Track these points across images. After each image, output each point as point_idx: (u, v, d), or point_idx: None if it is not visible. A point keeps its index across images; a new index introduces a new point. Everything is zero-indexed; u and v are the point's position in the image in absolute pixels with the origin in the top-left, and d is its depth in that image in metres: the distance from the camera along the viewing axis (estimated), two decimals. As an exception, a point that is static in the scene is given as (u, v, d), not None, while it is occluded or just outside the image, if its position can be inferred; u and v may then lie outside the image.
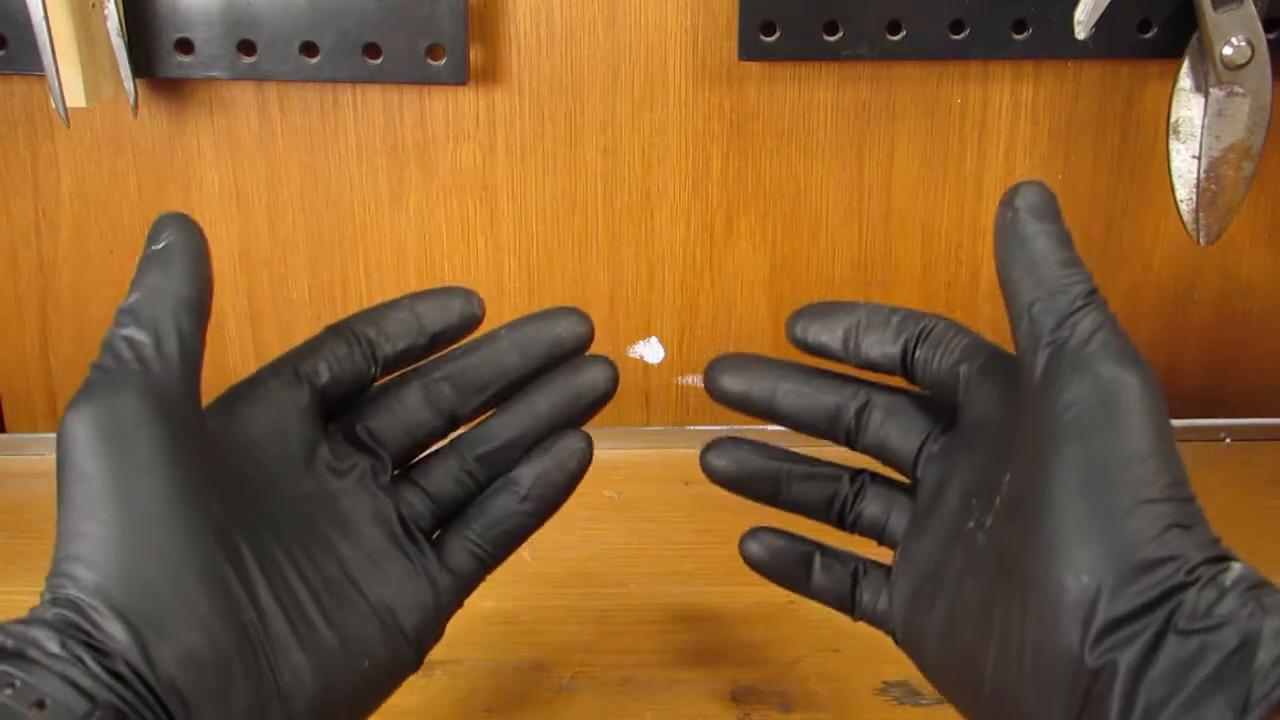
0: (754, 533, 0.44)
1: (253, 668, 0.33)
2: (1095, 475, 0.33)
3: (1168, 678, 0.31)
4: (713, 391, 0.43)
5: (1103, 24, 0.60)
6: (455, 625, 0.49)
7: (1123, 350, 0.34)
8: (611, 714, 0.49)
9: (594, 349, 0.70)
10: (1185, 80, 0.61)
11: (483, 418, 0.42)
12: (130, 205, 0.67)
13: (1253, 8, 0.58)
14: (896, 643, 0.41)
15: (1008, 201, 0.37)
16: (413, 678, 0.51)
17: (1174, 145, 0.62)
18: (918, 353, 0.40)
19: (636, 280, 0.69)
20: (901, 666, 0.51)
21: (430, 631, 0.40)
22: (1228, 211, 0.62)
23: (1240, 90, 0.60)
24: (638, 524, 0.63)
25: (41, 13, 0.56)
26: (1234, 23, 0.59)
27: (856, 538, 0.43)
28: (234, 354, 0.70)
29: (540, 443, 0.42)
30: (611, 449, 0.70)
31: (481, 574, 0.41)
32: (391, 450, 0.41)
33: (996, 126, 0.66)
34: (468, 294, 0.41)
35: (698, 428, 0.71)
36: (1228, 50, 0.59)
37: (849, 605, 0.42)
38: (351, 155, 0.66)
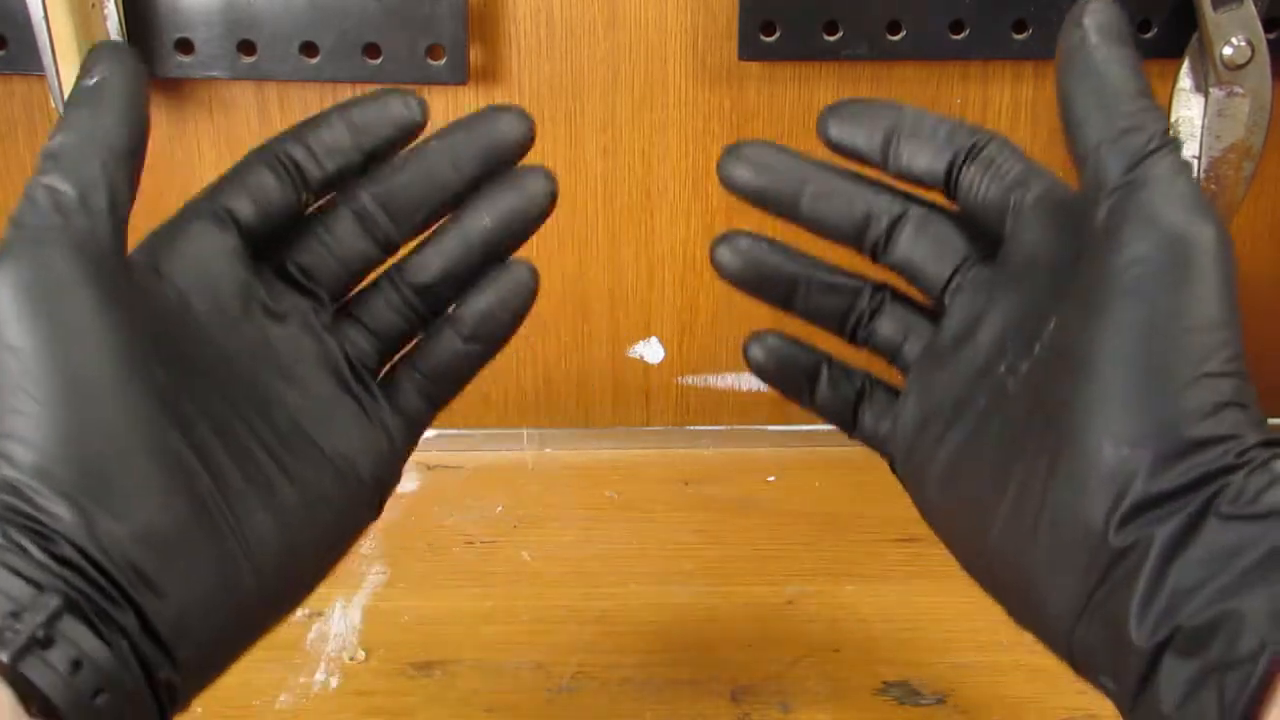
0: (759, 335, 0.41)
1: (213, 534, 0.31)
2: (1156, 339, 0.30)
3: (1204, 563, 0.28)
4: (728, 180, 0.39)
5: (1103, 24, 0.60)
6: (455, 625, 0.49)
7: (1197, 201, 0.31)
8: (611, 714, 0.49)
9: (594, 349, 0.70)
10: (1185, 80, 0.61)
11: (420, 239, 0.39)
12: (130, 205, 0.67)
13: (1253, 8, 0.58)
14: (893, 469, 0.39)
15: (1076, 19, 0.34)
16: (413, 678, 0.51)
17: (1174, 145, 0.62)
18: (966, 170, 0.37)
19: (636, 280, 0.69)
20: (901, 667, 0.52)
21: (388, 476, 0.37)
22: (1228, 211, 0.62)
23: (1240, 90, 0.60)
24: (638, 524, 0.63)
25: (41, 13, 0.56)
26: (1234, 23, 0.59)
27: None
28: (234, 354, 0.70)
29: (482, 269, 0.39)
30: (611, 449, 0.71)
31: (432, 413, 0.39)
32: (327, 285, 0.37)
33: (996, 126, 0.66)
34: (405, 97, 0.37)
35: (698, 428, 0.71)
36: (1228, 50, 0.59)
37: (849, 423, 0.40)
38: (351, 155, 0.66)
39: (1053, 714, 0.48)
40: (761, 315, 0.70)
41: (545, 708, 0.49)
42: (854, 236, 0.39)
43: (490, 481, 0.67)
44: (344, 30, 0.61)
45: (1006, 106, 0.66)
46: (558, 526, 0.63)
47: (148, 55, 0.61)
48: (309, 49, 0.62)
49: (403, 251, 0.39)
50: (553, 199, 0.40)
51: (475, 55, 0.64)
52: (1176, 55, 0.61)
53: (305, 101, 0.65)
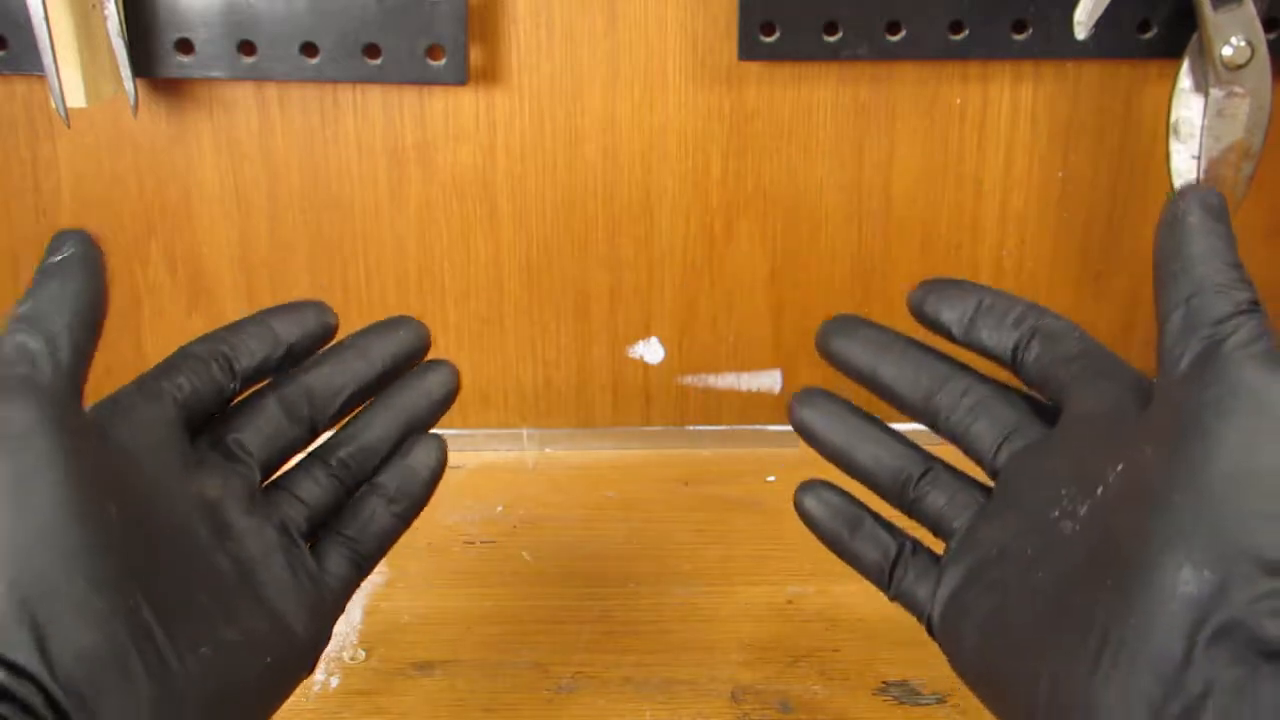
0: (811, 485, 0.44)
1: (154, 664, 0.33)
2: (1230, 475, 0.31)
3: None
4: (821, 349, 0.44)
5: (1103, 24, 0.60)
6: (455, 625, 0.49)
7: (1275, 360, 0.32)
8: (611, 714, 0.49)
9: (594, 349, 0.70)
10: (1185, 80, 0.61)
11: (341, 424, 0.44)
12: (130, 205, 0.67)
13: (1253, 8, 0.58)
14: (930, 630, 0.40)
15: (1180, 197, 0.36)
16: (413, 678, 0.51)
17: (1174, 145, 0.62)
18: (1031, 346, 0.40)
19: (636, 280, 0.69)
20: (901, 667, 0.52)
21: (321, 634, 0.40)
22: (1227, 211, 0.62)
23: (1240, 90, 0.60)
24: (638, 524, 0.63)
25: (41, 13, 0.56)
26: (1234, 23, 0.59)
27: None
28: (234, 354, 0.70)
29: (398, 446, 0.44)
30: (611, 449, 0.71)
31: (359, 577, 0.42)
32: (259, 460, 0.41)
33: (996, 126, 0.66)
34: (320, 306, 0.43)
35: (698, 428, 0.71)
36: (1227, 50, 0.59)
37: (886, 580, 0.42)
38: (351, 155, 0.66)
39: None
40: (762, 317, 0.70)
41: (545, 708, 0.49)
42: (920, 409, 0.42)
43: (490, 481, 0.67)
44: (344, 30, 0.61)
45: (1006, 106, 0.66)
46: (558, 526, 0.63)
47: (148, 55, 0.61)
48: (309, 49, 0.62)
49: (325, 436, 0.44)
50: (455, 384, 0.45)
51: (475, 55, 0.64)
52: (1176, 55, 0.61)
53: (305, 101, 0.65)
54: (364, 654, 0.53)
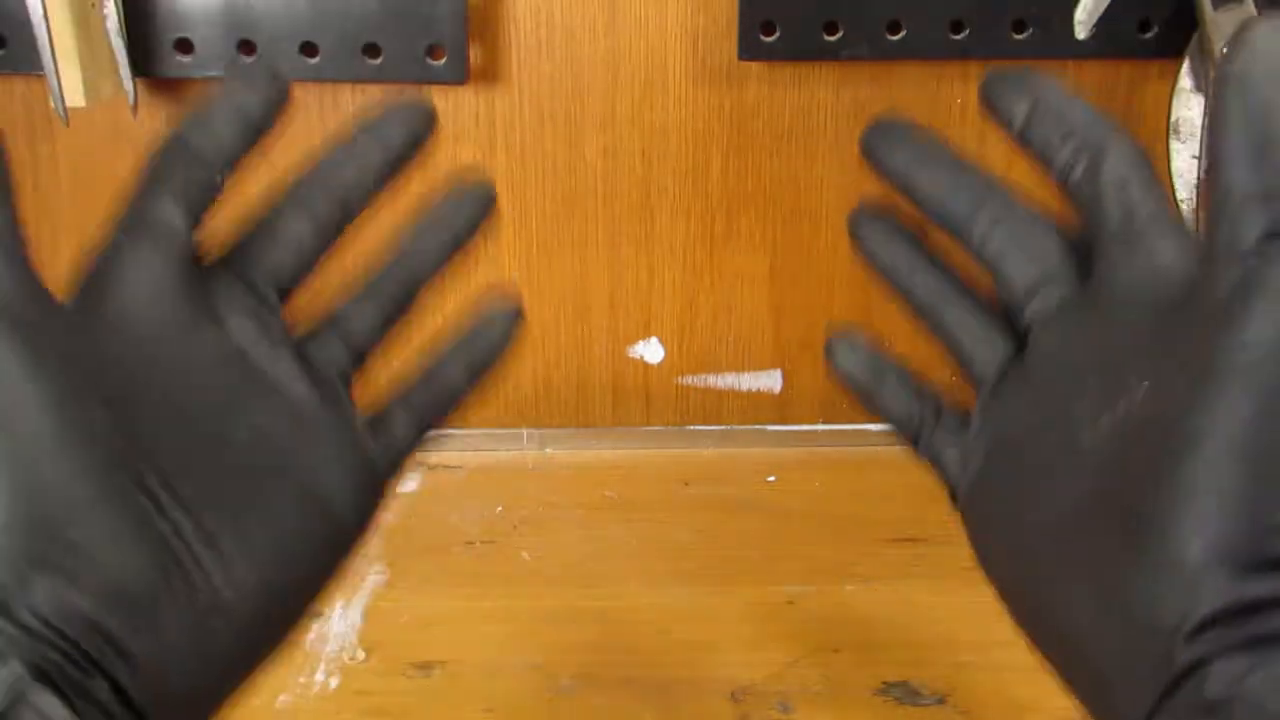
0: (843, 335, 0.40)
1: (182, 586, 0.29)
2: (1264, 433, 0.27)
3: None
4: (864, 150, 0.39)
5: (1103, 24, 0.60)
6: (455, 625, 0.49)
7: None
8: (611, 714, 0.49)
9: (594, 349, 0.70)
10: (1185, 80, 0.61)
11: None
12: (130, 205, 0.67)
13: (1253, 8, 0.58)
14: (953, 500, 0.36)
15: (1243, 42, 0.28)
16: (412, 678, 0.51)
17: (1174, 145, 0.62)
18: (1078, 168, 0.35)
19: (636, 280, 0.69)
20: (901, 667, 0.52)
21: (371, 504, 0.34)
22: (1228, 211, 0.62)
23: (1240, 90, 0.60)
24: (638, 524, 0.63)
25: (41, 13, 0.56)
26: (1234, 22, 0.59)
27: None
28: (234, 354, 0.70)
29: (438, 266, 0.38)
30: (611, 449, 0.71)
31: (421, 440, 0.36)
32: (278, 286, 0.35)
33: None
34: (276, 75, 0.36)
35: (698, 428, 0.71)
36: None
37: (914, 436, 0.37)
38: (351, 155, 0.66)
39: (1053, 714, 0.48)
40: (762, 316, 0.70)
41: (545, 708, 0.49)
42: (954, 227, 0.38)
43: (490, 481, 0.67)
44: (344, 30, 0.61)
45: (1006, 106, 0.66)
46: (558, 526, 0.63)
47: (148, 55, 0.61)
48: (309, 49, 0.62)
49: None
50: (492, 203, 0.39)
51: (475, 55, 0.64)
52: (1176, 55, 0.61)
53: (305, 102, 0.65)
54: (364, 654, 0.53)
